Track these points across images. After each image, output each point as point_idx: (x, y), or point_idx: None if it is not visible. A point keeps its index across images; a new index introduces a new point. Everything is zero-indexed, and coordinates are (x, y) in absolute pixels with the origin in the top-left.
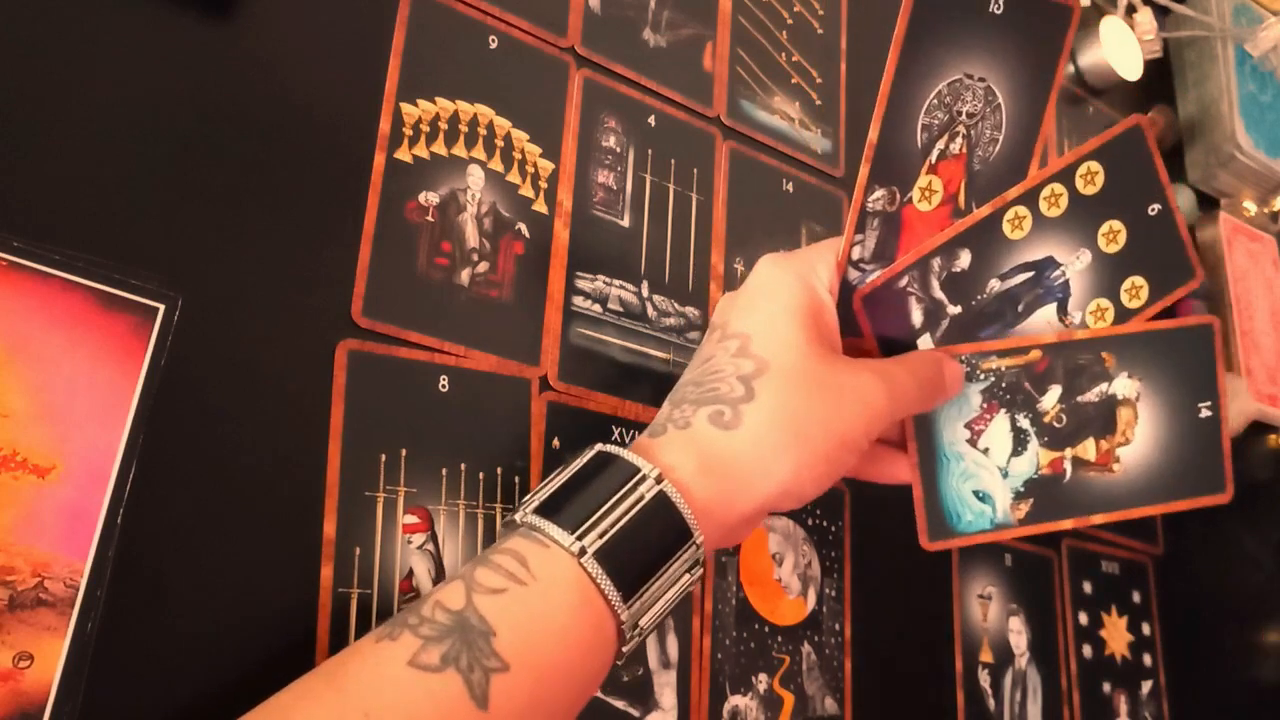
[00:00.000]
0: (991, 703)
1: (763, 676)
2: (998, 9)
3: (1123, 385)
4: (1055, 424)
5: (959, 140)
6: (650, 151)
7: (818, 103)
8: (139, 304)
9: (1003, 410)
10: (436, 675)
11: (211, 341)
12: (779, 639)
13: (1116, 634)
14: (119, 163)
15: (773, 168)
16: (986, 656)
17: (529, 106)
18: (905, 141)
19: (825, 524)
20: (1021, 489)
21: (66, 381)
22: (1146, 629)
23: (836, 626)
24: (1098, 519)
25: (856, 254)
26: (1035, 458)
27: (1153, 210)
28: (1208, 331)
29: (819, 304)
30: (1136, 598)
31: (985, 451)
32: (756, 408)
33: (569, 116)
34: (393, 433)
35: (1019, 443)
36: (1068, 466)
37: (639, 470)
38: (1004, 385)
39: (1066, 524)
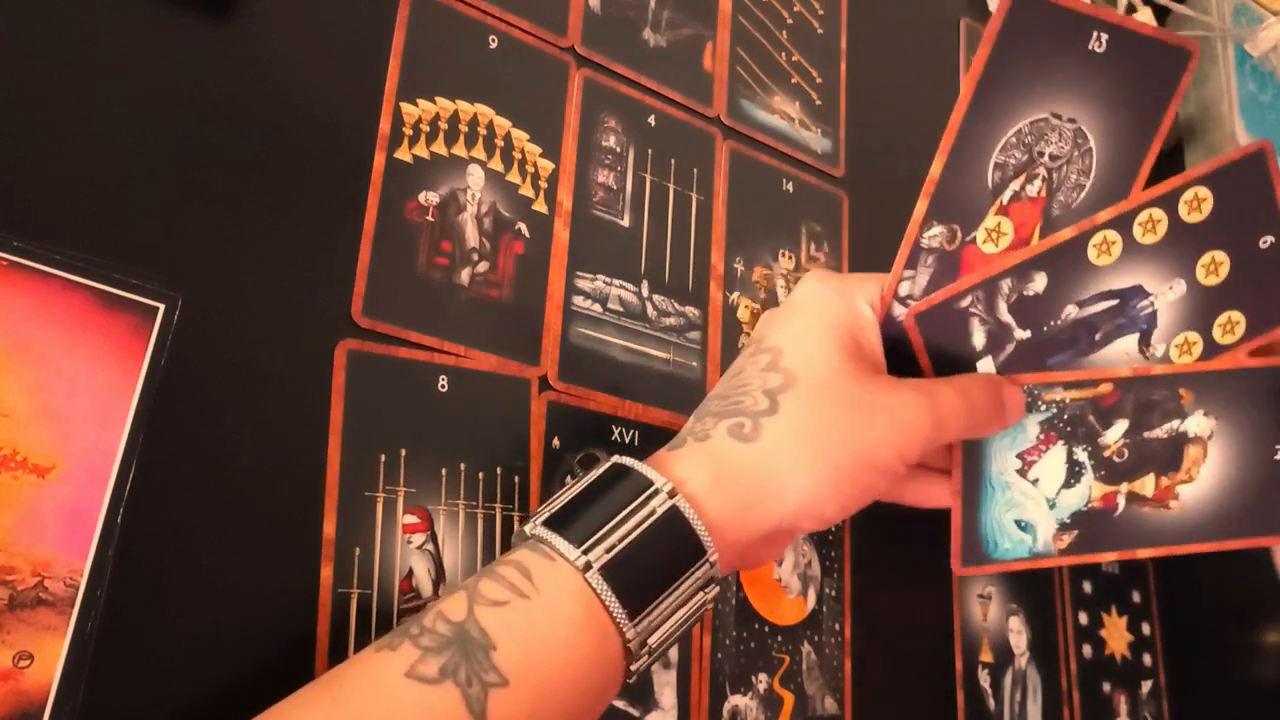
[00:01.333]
0: (991, 703)
1: (763, 676)
2: (1099, 48)
3: (1196, 423)
4: (1116, 459)
5: (1038, 183)
6: (650, 151)
7: (818, 103)
8: (139, 304)
9: (1060, 442)
10: (434, 687)
11: (211, 341)
12: (779, 639)
13: (1116, 634)
14: (119, 163)
15: (773, 168)
16: (986, 656)
17: (529, 106)
18: (973, 179)
19: None
20: (1067, 520)
21: (66, 381)
22: (1146, 629)
23: (836, 626)
24: (1144, 553)
25: (905, 290)
26: (1088, 491)
27: (1265, 243)
28: None
29: (860, 321)
30: (1136, 598)
31: (1035, 482)
32: (778, 421)
33: (569, 116)
34: (392, 433)
35: (1072, 475)
36: (1121, 501)
37: (651, 484)
38: (1065, 417)
39: (1110, 557)
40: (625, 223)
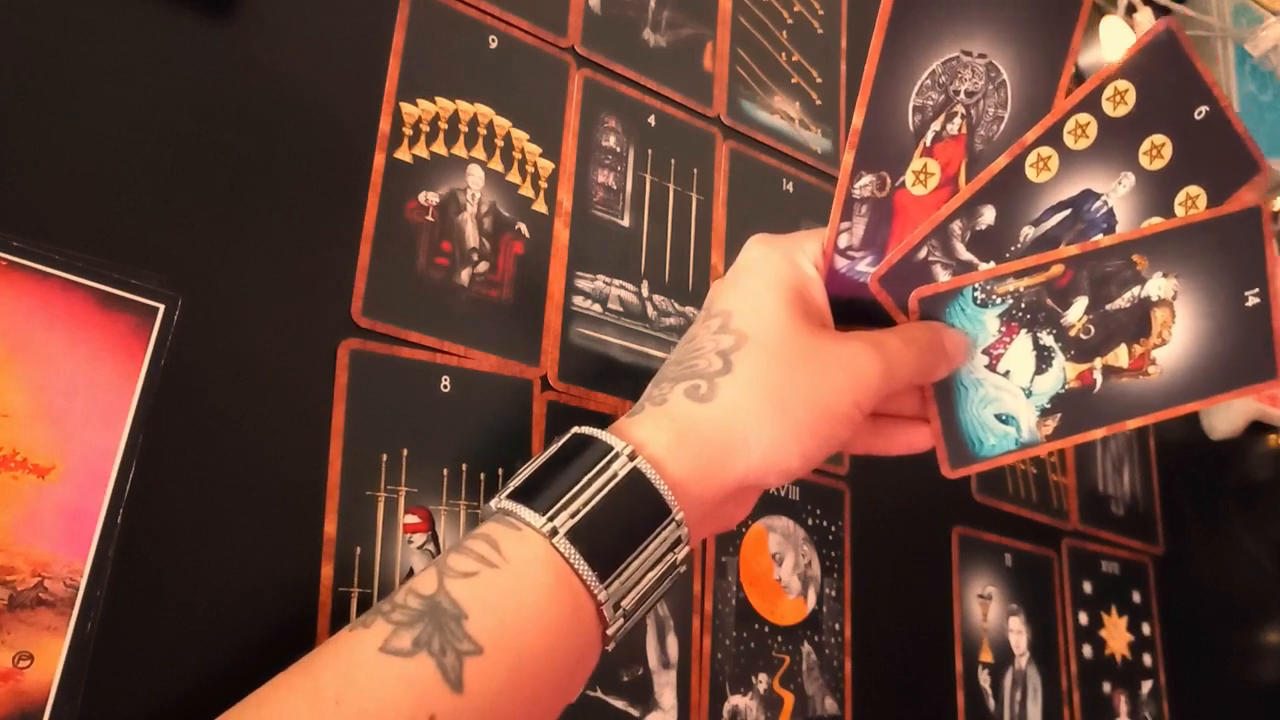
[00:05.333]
0: (991, 703)
1: (763, 676)
2: None
3: (1157, 286)
4: (1082, 336)
5: (958, 120)
6: (650, 151)
7: (818, 103)
8: (139, 304)
9: (1023, 331)
10: (409, 659)
11: (211, 341)
12: (779, 639)
13: (1116, 634)
14: (119, 163)
15: (773, 168)
16: (986, 656)
17: (529, 106)
18: (895, 125)
19: (825, 524)
20: (1048, 405)
21: (66, 381)
22: (1146, 629)
23: (836, 626)
24: (1133, 423)
25: (844, 242)
26: (1062, 373)
27: (1200, 113)
28: (1255, 216)
29: (804, 280)
30: (1136, 598)
31: (1006, 374)
32: (733, 380)
33: (569, 116)
34: (394, 432)
35: (1043, 360)
36: (1098, 377)
37: (611, 448)
38: (1023, 305)
39: (1099, 433)
40: (625, 223)
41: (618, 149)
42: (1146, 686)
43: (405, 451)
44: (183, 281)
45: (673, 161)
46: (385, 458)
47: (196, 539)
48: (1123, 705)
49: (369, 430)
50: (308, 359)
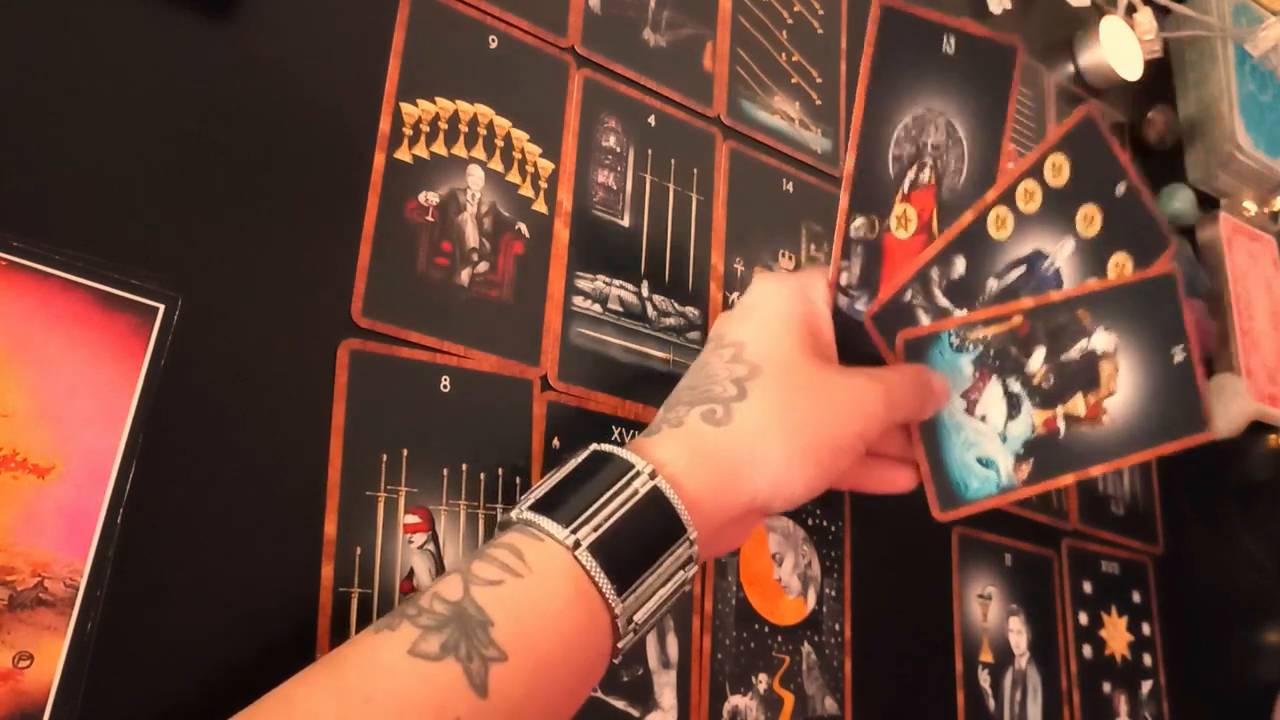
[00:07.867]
0: (991, 703)
1: (763, 676)
2: (949, 49)
3: (1101, 340)
4: (1044, 384)
5: (928, 171)
6: (650, 151)
7: (818, 103)
8: (139, 304)
9: (994, 377)
10: (436, 664)
11: (211, 341)
12: (779, 639)
13: (1116, 634)
14: (119, 163)
15: (773, 168)
16: (986, 656)
17: (529, 106)
18: (879, 171)
19: (825, 524)
20: (1021, 450)
21: (66, 381)
22: (1146, 629)
23: (836, 626)
24: (1095, 470)
25: (844, 280)
26: (1030, 419)
27: (1119, 190)
28: (1170, 280)
29: (814, 314)
30: (1136, 598)
31: (983, 418)
32: (748, 405)
33: (569, 116)
34: (394, 433)
35: (1013, 406)
36: (1061, 424)
37: (633, 466)
38: (993, 353)
39: (1068, 479)
40: (625, 223)
41: (618, 149)
42: (1146, 686)
43: (405, 451)
44: (183, 281)
45: (673, 161)
46: (385, 458)
47: (196, 539)
48: (1123, 705)
49: (369, 430)
50: (308, 359)
